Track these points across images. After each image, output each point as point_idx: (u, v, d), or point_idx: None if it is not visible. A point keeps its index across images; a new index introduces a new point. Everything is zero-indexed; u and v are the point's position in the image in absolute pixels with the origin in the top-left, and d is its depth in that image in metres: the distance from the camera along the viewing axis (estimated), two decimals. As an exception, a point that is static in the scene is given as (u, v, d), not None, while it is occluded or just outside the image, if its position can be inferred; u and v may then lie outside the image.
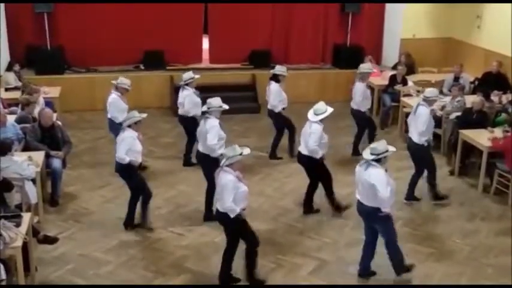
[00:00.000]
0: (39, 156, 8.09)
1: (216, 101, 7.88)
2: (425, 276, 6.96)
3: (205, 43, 14.05)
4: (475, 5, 13.20)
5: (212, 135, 7.75)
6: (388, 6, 14.22)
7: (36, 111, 9.17)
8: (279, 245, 7.55)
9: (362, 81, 10.12)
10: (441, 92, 12.07)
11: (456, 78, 12.01)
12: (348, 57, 13.76)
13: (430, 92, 8.52)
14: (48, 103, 10.33)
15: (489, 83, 11.72)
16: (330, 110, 8.00)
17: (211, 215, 7.77)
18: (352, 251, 7.37)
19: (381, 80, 12.59)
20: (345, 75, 13.49)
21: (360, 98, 10.05)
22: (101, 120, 12.16)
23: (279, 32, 14.04)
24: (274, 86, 9.91)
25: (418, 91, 11.68)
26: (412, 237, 7.75)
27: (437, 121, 10.55)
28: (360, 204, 6.63)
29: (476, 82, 12.23)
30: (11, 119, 8.92)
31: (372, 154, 6.41)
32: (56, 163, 8.41)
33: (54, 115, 9.24)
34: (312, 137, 7.87)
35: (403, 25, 13.96)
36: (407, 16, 13.88)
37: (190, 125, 9.51)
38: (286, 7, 13.90)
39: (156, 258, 7.20)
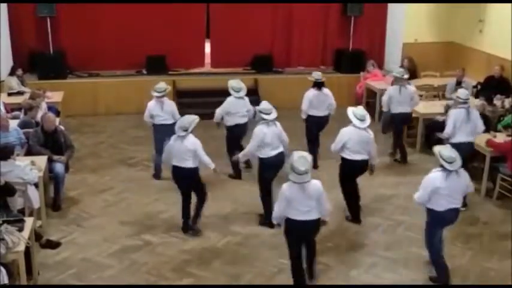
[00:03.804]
0: (41, 160, 8.09)
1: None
2: (428, 279, 6.95)
3: (208, 48, 14.08)
4: (477, 9, 13.21)
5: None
6: (390, 10, 14.23)
7: (39, 116, 9.18)
8: (281, 248, 7.48)
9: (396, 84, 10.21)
10: (443, 97, 12.09)
11: (458, 83, 11.99)
12: (350, 62, 13.77)
13: (466, 94, 8.74)
14: (51, 108, 10.35)
15: (491, 87, 11.72)
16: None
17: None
18: (354, 255, 7.37)
19: (383, 84, 12.59)
20: (347, 79, 13.50)
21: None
22: (103, 124, 12.24)
23: (281, 36, 14.06)
24: (327, 91, 9.86)
25: (421, 95, 11.68)
26: (415, 241, 7.73)
27: (440, 125, 10.56)
28: (455, 211, 6.65)
29: (479, 86, 12.22)
30: (13, 123, 8.93)
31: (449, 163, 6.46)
32: (59, 167, 8.41)
33: (57, 119, 9.26)
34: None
35: (405, 29, 13.96)
36: (410, 20, 13.89)
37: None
38: (288, 11, 13.92)
39: (159, 263, 7.20)
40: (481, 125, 8.75)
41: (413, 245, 7.62)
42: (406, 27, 13.95)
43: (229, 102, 9.43)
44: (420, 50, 13.85)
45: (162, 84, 9.39)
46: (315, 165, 9.58)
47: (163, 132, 8.84)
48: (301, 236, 6.45)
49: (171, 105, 9.36)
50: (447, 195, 6.49)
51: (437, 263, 6.83)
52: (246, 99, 9.55)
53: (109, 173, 9.76)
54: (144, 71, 13.31)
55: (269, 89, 12.88)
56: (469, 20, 13.55)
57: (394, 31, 14.20)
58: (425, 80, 13.19)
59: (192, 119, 7.63)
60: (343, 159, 8.03)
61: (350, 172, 8.07)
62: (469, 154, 8.55)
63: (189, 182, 7.74)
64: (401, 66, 13.08)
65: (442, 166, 6.45)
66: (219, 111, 9.49)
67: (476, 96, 11.56)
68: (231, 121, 9.45)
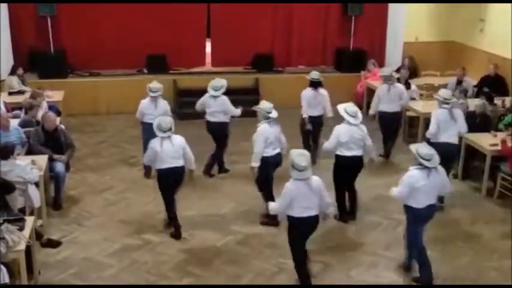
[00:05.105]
0: (42, 159, 8.10)
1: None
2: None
3: (208, 47, 14.09)
4: (478, 8, 13.21)
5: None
6: (391, 9, 14.22)
7: (39, 115, 9.19)
8: (281, 248, 7.52)
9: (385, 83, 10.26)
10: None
11: (459, 82, 12.00)
12: (350, 61, 13.77)
13: (449, 94, 8.63)
14: (52, 107, 10.36)
15: (488, 86, 11.75)
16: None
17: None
18: (354, 255, 7.37)
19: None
20: (348, 79, 13.50)
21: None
22: (104, 124, 12.24)
23: (281, 35, 14.06)
24: (323, 91, 9.83)
25: (421, 95, 11.68)
26: (415, 240, 7.74)
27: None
28: (433, 207, 6.67)
29: (485, 89, 12.16)
30: (14, 122, 8.94)
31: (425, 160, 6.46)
32: (59, 167, 8.42)
33: (58, 119, 9.27)
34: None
35: (405, 28, 13.96)
36: (410, 19, 13.89)
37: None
38: (289, 11, 13.92)
39: (159, 262, 7.21)
40: (464, 126, 8.62)
41: (414, 244, 7.62)
42: (406, 26, 13.94)
43: (203, 98, 9.50)
44: (421, 49, 13.86)
45: (157, 84, 9.41)
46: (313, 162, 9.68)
47: (152, 131, 8.89)
48: (306, 232, 6.49)
49: (164, 105, 9.36)
50: (427, 192, 6.52)
51: (423, 262, 6.77)
52: (223, 99, 9.40)
53: (109, 172, 9.77)
54: (145, 70, 13.32)
55: (270, 88, 12.88)
56: (469, 19, 13.55)
57: (394, 30, 14.19)
58: (426, 79, 13.19)
59: (170, 120, 7.74)
60: (336, 156, 8.09)
61: (342, 169, 8.12)
62: (450, 155, 8.46)
63: (181, 179, 7.76)
64: (402, 65, 13.12)
65: (420, 164, 6.46)
66: (198, 104, 9.60)
67: (477, 95, 11.56)
68: (207, 117, 9.53)
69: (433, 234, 7.96)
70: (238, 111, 9.55)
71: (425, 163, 6.43)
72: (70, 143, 8.78)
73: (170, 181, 7.68)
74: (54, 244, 7.39)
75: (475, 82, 12.37)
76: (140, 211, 8.44)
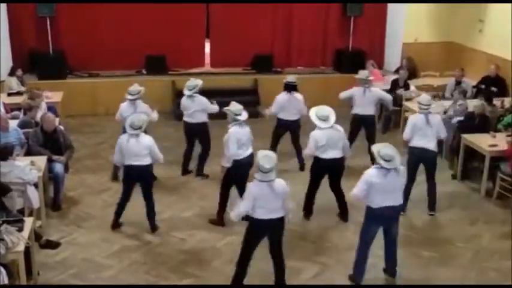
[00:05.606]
0: (41, 160, 8.10)
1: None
2: (427, 280, 6.96)
3: (208, 48, 14.08)
4: (477, 9, 13.22)
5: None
6: (390, 10, 14.23)
7: (38, 116, 9.19)
8: (281, 249, 7.54)
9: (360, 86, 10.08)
10: (443, 97, 12.08)
11: (458, 83, 11.99)
12: (350, 62, 13.77)
13: (428, 100, 8.46)
14: (51, 108, 10.35)
15: (488, 86, 11.74)
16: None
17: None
18: (353, 255, 7.34)
19: (382, 84, 12.58)
20: (347, 79, 13.47)
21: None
22: (103, 124, 12.22)
23: (281, 36, 14.06)
24: (298, 95, 9.74)
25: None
26: (414, 241, 7.75)
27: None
28: (392, 208, 6.55)
29: (481, 86, 12.17)
30: (13, 123, 8.94)
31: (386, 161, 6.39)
32: (58, 168, 8.42)
33: (57, 120, 9.26)
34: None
35: (405, 29, 13.98)
36: (409, 20, 13.89)
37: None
38: (288, 11, 13.92)
39: (158, 263, 7.21)
40: (443, 131, 8.47)
41: (411, 245, 7.62)
42: (406, 27, 13.96)
43: (181, 100, 9.57)
44: (420, 50, 13.87)
45: (136, 87, 9.39)
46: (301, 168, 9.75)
47: None
48: (266, 235, 6.45)
49: (144, 108, 9.30)
50: (383, 192, 6.43)
51: (359, 261, 6.79)
52: (200, 99, 9.38)
53: (108, 173, 9.74)
54: (144, 71, 13.31)
55: (269, 89, 12.86)
56: (469, 19, 13.56)
57: (394, 31, 14.19)
58: (425, 79, 13.20)
59: (144, 119, 7.82)
60: (315, 158, 8.07)
61: (321, 170, 8.12)
62: (428, 160, 8.36)
63: (146, 178, 7.85)
64: (401, 66, 13.12)
65: (379, 163, 6.40)
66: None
67: (476, 96, 11.57)
68: (185, 118, 9.57)
69: (433, 235, 8.00)
70: (215, 107, 9.47)
71: (383, 163, 6.36)
72: (69, 144, 8.78)
73: (132, 178, 7.81)
74: (53, 245, 7.39)
75: (474, 83, 12.36)
76: (139, 212, 8.40)
